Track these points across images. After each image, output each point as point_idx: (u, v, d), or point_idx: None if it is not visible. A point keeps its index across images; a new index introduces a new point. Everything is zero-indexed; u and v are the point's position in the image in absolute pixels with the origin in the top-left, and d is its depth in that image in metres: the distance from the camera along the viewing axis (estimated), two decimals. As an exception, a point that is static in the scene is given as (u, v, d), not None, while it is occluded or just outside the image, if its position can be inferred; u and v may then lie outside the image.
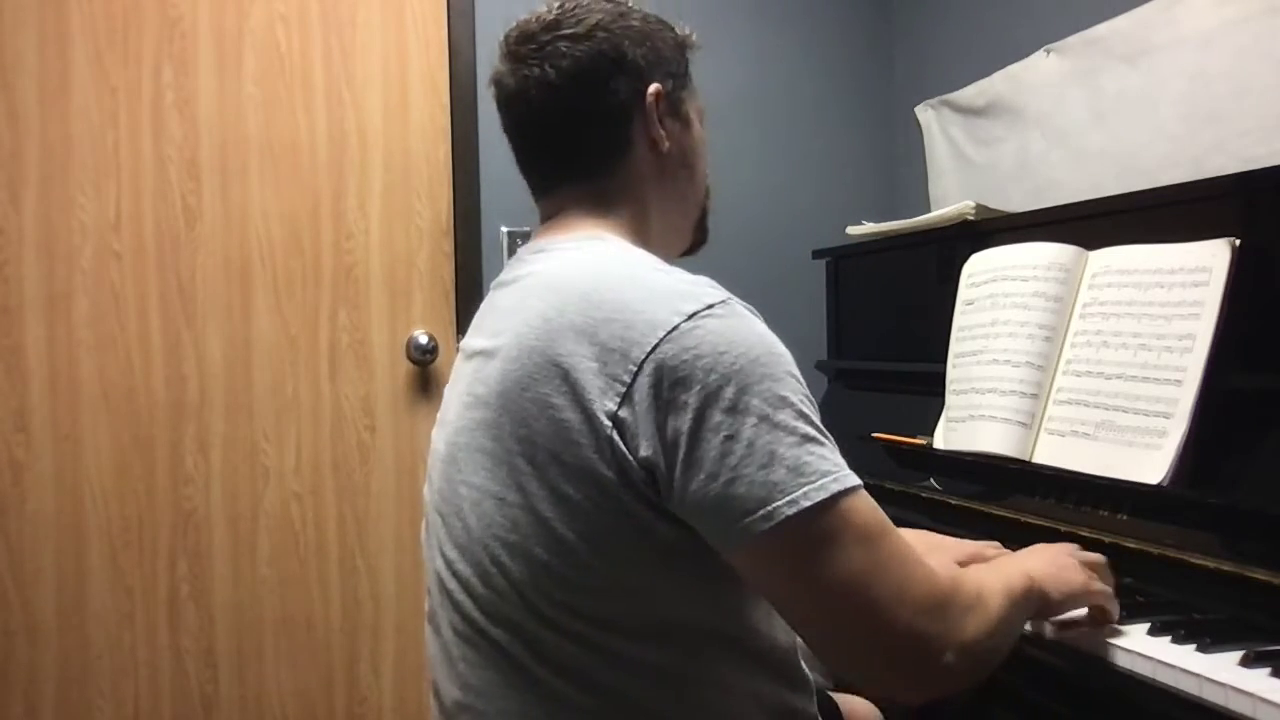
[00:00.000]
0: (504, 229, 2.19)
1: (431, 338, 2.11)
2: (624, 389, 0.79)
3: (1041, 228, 1.46)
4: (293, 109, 2.03)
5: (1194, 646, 0.93)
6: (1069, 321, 1.33)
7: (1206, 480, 1.10)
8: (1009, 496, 1.35)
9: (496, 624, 0.86)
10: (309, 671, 2.05)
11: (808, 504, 0.75)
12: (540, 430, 0.82)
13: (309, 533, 2.05)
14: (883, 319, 1.95)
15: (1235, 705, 0.84)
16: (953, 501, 1.44)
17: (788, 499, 0.75)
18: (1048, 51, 1.94)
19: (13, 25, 1.87)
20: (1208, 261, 1.15)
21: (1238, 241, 1.13)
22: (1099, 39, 1.81)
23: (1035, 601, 0.92)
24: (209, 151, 1.98)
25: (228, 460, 2.00)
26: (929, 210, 2.14)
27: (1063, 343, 1.33)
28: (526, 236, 2.18)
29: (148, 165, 1.95)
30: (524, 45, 0.97)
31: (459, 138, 2.14)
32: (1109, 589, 1.01)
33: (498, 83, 1.00)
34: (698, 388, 0.77)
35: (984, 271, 1.48)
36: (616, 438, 0.79)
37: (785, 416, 0.78)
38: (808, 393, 0.82)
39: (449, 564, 0.92)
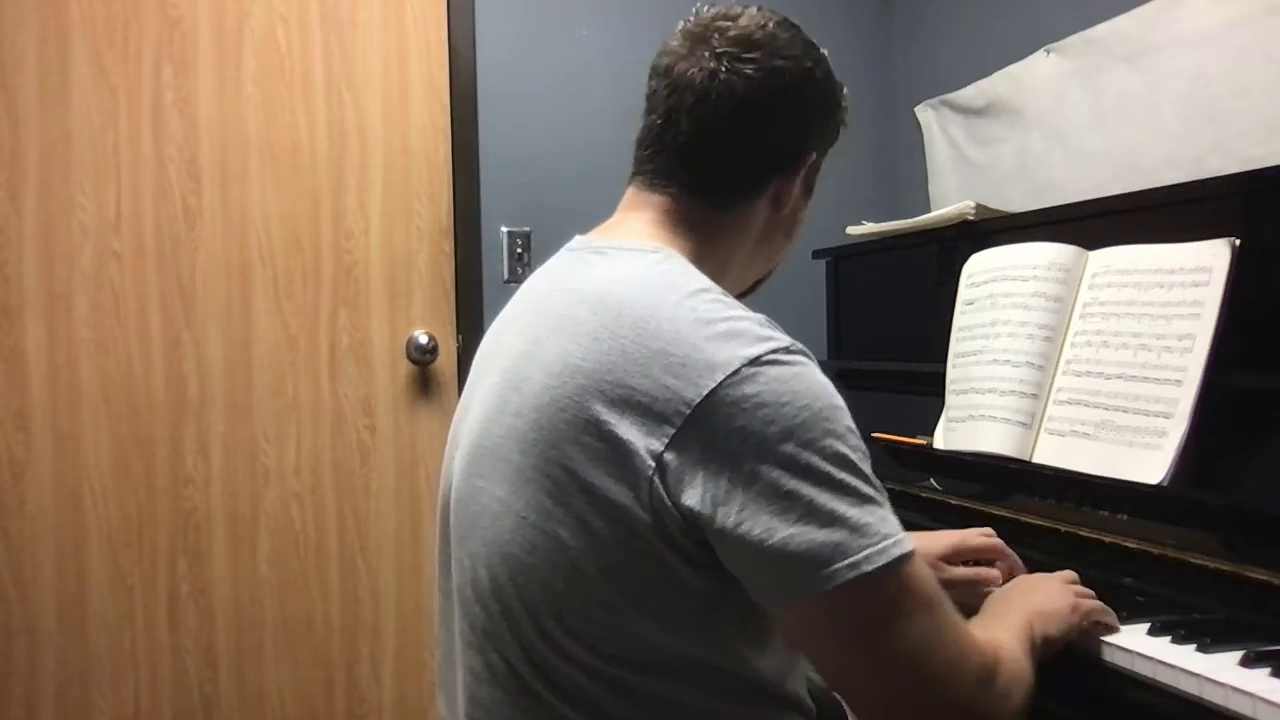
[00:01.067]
0: (504, 229, 2.19)
1: (431, 338, 2.11)
2: (673, 430, 0.74)
3: (1041, 228, 1.46)
4: (293, 109, 2.03)
5: (1194, 646, 0.93)
6: (1069, 321, 1.33)
7: (1206, 480, 1.10)
8: (1009, 496, 1.35)
9: (505, 640, 0.83)
10: (309, 671, 2.05)
11: (870, 568, 0.72)
12: (574, 457, 0.77)
13: (309, 533, 2.05)
14: (883, 319, 1.95)
15: (1235, 705, 0.84)
16: (953, 501, 1.44)
17: (848, 561, 0.72)
18: (1048, 51, 1.94)
19: (13, 25, 1.87)
20: (1208, 261, 1.15)
21: (1238, 241, 1.13)
22: (1099, 39, 1.81)
23: (1039, 650, 0.91)
24: (209, 151, 1.98)
25: (228, 460, 2.00)
26: (929, 210, 2.14)
27: (1063, 343, 1.32)
28: (527, 236, 2.20)
29: (148, 165, 1.95)
30: (721, 41, 0.90)
31: (459, 138, 2.14)
32: (1098, 604, 1.01)
33: (669, 54, 0.92)
34: (756, 439, 0.73)
35: (984, 272, 1.48)
36: (658, 480, 0.75)
37: (846, 475, 0.75)
38: (864, 448, 0.79)
39: (462, 570, 0.89)
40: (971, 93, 2.15)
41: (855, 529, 0.73)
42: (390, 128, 2.10)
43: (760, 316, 0.81)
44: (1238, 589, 1.01)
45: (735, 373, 0.75)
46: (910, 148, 2.39)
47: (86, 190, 1.91)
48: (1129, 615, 1.02)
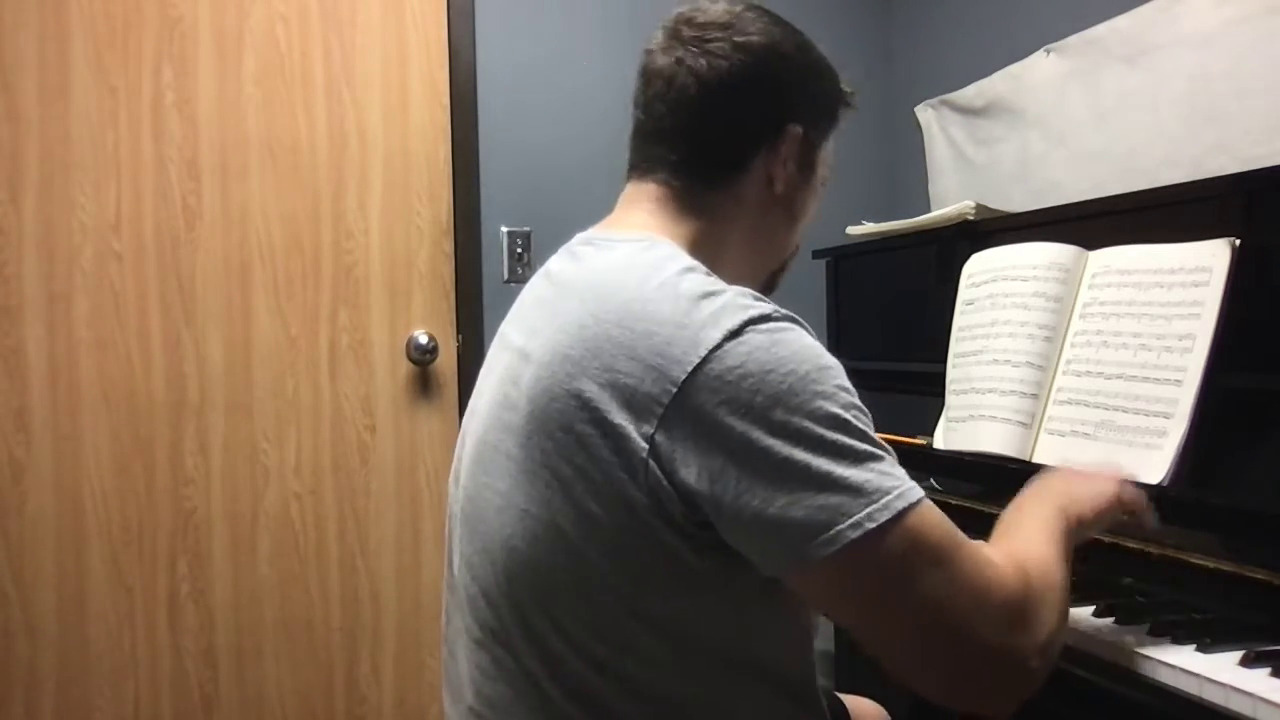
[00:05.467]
0: (504, 229, 2.19)
1: (431, 338, 2.11)
2: (662, 410, 0.75)
3: (1041, 228, 1.46)
4: (293, 109, 2.03)
5: (1194, 646, 0.93)
6: (1069, 321, 1.33)
7: (1206, 480, 1.10)
8: (1009, 496, 1.35)
9: (514, 637, 0.83)
10: (309, 671, 2.05)
11: (872, 525, 0.72)
12: (568, 445, 0.78)
13: (309, 533, 2.05)
14: (883, 319, 1.95)
15: (1235, 705, 0.84)
16: (953, 501, 1.44)
17: (850, 522, 0.72)
18: (1048, 51, 1.94)
19: (13, 25, 1.86)
20: (1208, 261, 1.15)
21: (1238, 241, 1.13)
22: (1099, 39, 1.81)
23: (1076, 536, 0.88)
24: (209, 151, 1.98)
25: (228, 460, 2.00)
26: (929, 210, 2.14)
27: (1063, 343, 1.32)
28: (527, 236, 2.20)
29: (148, 165, 1.95)
30: (690, 29, 0.93)
31: (459, 138, 2.14)
32: (1134, 488, 0.98)
33: (648, 53, 0.96)
34: (743, 411, 0.73)
35: (984, 271, 1.48)
36: (652, 462, 0.75)
37: (840, 436, 0.74)
38: (860, 405, 0.78)
39: (469, 567, 0.90)
40: (971, 93, 2.15)
41: (854, 489, 0.73)
42: (390, 128, 2.10)
43: (746, 290, 0.81)
44: (1238, 589, 1.01)
45: (717, 347, 0.75)
46: (910, 148, 2.39)
47: (86, 190, 1.91)
48: (1129, 615, 1.02)
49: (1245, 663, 0.88)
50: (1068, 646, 0.99)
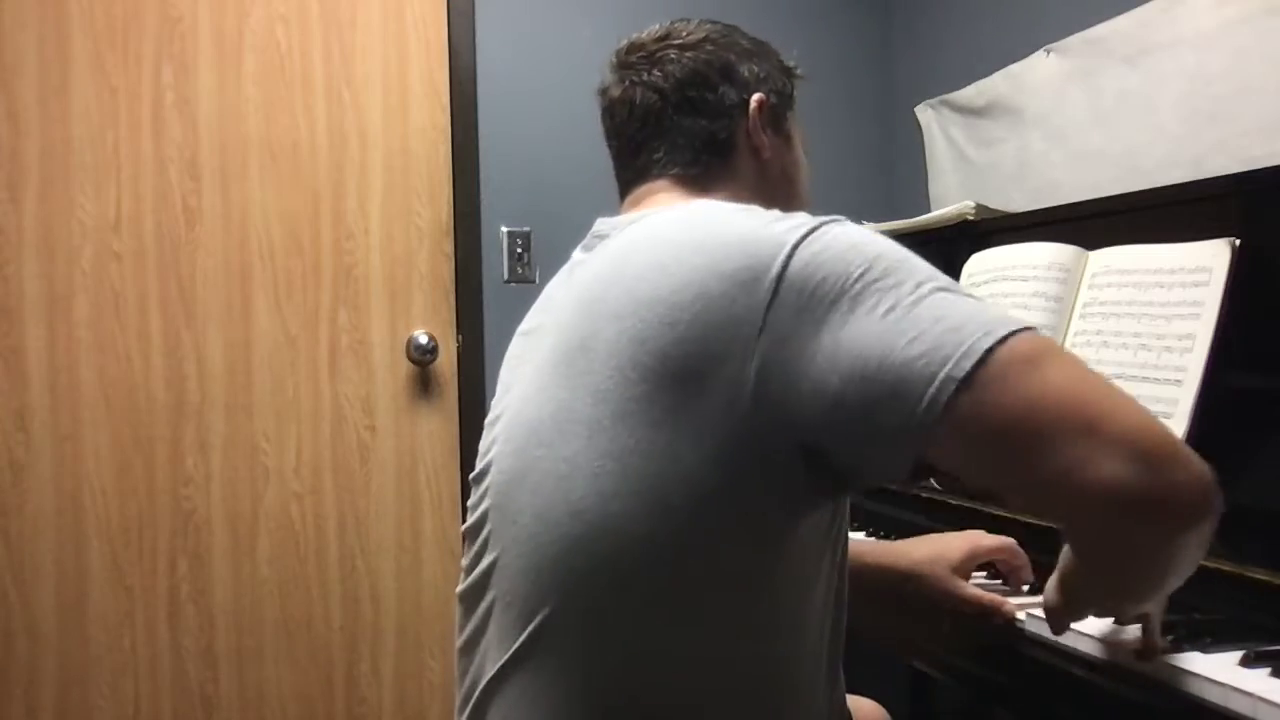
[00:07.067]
0: (504, 229, 2.19)
1: (431, 338, 2.11)
2: (761, 318, 0.74)
3: (1041, 228, 1.46)
4: (293, 109, 2.03)
5: (1194, 647, 0.93)
6: (1069, 321, 1.33)
7: (1206, 480, 1.10)
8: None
9: (554, 620, 0.82)
10: (309, 671, 2.05)
11: (1005, 331, 0.69)
12: (665, 387, 0.77)
13: (309, 533, 2.05)
14: (883, 319, 1.94)
15: (1235, 705, 0.83)
16: (952, 501, 1.44)
17: (984, 332, 0.68)
18: (1048, 51, 1.94)
19: (13, 25, 1.87)
20: (1208, 261, 1.15)
21: (1238, 241, 1.13)
22: (1099, 39, 1.81)
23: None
24: (209, 151, 1.98)
25: (228, 460, 2.00)
26: (929, 210, 2.14)
27: (1062, 342, 1.32)
28: (527, 236, 2.20)
29: (148, 165, 1.95)
30: (633, 54, 1.00)
31: (459, 138, 2.14)
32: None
33: (604, 92, 1.02)
34: (839, 282, 0.73)
35: (984, 271, 1.48)
36: (759, 378, 0.74)
37: (940, 281, 0.73)
38: None
39: (514, 544, 0.87)
40: (971, 93, 2.15)
41: (972, 313, 0.71)
42: (390, 128, 2.10)
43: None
44: (1238, 589, 1.01)
45: (799, 242, 0.76)
46: (910, 148, 2.39)
47: (86, 190, 1.91)
48: (1129, 615, 1.02)
49: (1245, 663, 0.88)
50: (1066, 646, 0.99)
